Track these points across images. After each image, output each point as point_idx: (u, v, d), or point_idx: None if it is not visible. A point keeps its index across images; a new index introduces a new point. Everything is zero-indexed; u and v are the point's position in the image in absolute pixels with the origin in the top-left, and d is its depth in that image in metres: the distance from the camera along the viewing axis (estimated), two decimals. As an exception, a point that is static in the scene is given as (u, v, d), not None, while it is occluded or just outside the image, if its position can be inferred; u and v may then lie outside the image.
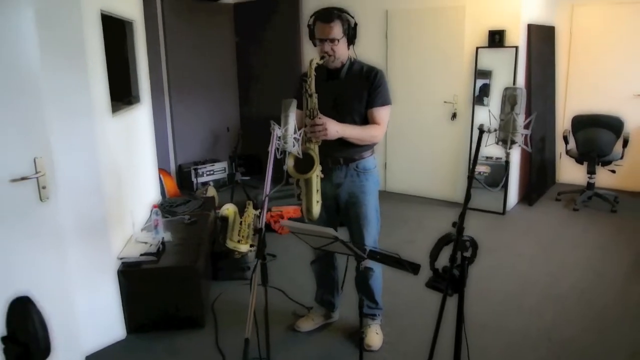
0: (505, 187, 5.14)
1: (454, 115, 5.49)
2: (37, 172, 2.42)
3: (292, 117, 2.15)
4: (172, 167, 6.31)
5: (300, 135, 2.19)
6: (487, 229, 4.82)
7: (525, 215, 5.25)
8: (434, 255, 1.71)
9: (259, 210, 4.70)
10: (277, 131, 2.05)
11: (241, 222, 3.96)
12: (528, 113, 1.74)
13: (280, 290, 3.57)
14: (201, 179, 6.22)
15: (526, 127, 1.74)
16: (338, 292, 3.14)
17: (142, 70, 4.20)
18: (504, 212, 5.23)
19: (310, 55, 6.36)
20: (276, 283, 3.59)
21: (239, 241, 3.71)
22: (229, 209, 4.09)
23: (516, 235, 4.71)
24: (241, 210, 4.20)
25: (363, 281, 2.90)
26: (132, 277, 3.09)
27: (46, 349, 0.99)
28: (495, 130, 1.76)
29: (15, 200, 2.36)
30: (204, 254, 3.46)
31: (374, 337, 2.93)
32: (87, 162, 2.87)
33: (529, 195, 5.56)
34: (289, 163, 2.46)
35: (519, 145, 1.74)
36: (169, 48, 6.02)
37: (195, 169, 6.11)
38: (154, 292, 3.13)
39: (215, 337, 3.07)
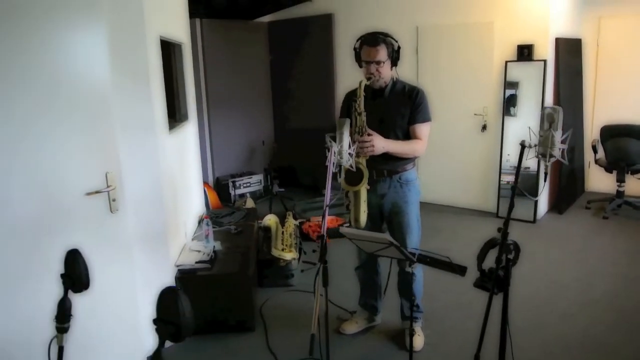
0: (535, 192, 5.29)
1: (484, 127, 5.66)
2: (108, 186, 2.68)
3: (347, 134, 2.37)
4: (211, 179, 6.58)
5: (354, 151, 2.41)
6: (519, 236, 4.89)
7: (555, 224, 5.38)
8: (481, 257, 1.90)
9: (299, 220, 4.93)
10: (334, 147, 2.27)
11: (283, 231, 4.20)
12: (564, 128, 1.93)
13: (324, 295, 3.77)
14: (238, 191, 6.48)
15: (563, 142, 1.92)
16: (381, 297, 3.33)
17: (190, 90, 4.48)
18: (534, 221, 5.37)
19: (342, 72, 6.64)
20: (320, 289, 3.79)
21: (283, 249, 3.94)
22: (270, 220, 4.35)
23: (547, 242, 4.84)
24: (281, 221, 4.44)
25: (406, 286, 3.10)
26: (188, 283, 3.33)
27: (192, 327, 1.22)
28: (535, 145, 1.95)
29: (90, 212, 2.62)
30: (252, 261, 3.68)
31: (417, 338, 3.11)
32: (150, 176, 3.13)
33: (558, 204, 5.69)
34: (342, 176, 2.67)
35: (557, 159, 1.92)
36: (208, 66, 6.32)
37: (233, 182, 6.37)
38: (207, 297, 3.36)
39: (265, 339, 3.29)
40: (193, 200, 4.39)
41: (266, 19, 7.19)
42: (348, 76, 6.61)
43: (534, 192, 5.29)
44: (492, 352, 2.12)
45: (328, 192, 2.33)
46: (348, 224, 2.95)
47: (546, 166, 1.96)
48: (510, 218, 1.93)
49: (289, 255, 3.93)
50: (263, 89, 7.22)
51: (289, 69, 7.11)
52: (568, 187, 5.85)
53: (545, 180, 1.99)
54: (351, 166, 2.42)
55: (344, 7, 6.54)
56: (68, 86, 2.43)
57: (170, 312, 1.23)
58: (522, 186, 5.39)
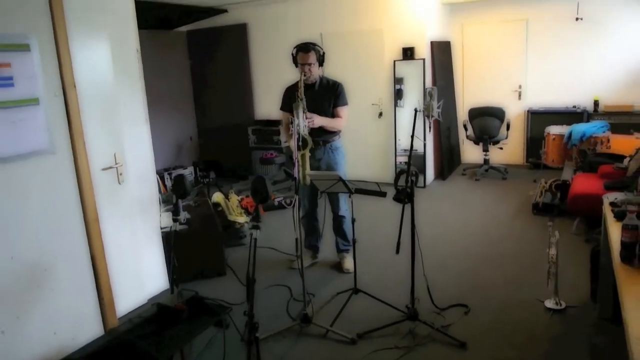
0: (424, 168, 6.70)
1: (380, 114, 6.98)
2: (116, 163, 3.54)
3: (302, 113, 3.43)
4: (147, 174, 7.32)
5: (307, 124, 3.49)
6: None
7: (440, 187, 6.84)
8: (396, 180, 3.07)
9: (240, 197, 5.89)
10: (295, 121, 3.33)
11: (229, 204, 5.18)
12: (439, 101, 3.15)
13: (274, 248, 4.81)
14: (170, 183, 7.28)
15: (439, 107, 3.15)
16: (320, 238, 4.45)
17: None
18: (425, 186, 6.78)
19: (257, 74, 7.68)
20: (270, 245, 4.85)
21: (239, 215, 4.92)
22: (218, 196, 5.30)
23: (436, 200, 6.25)
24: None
25: (339, 226, 4.24)
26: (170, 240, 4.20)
27: (269, 197, 2.24)
28: (422, 110, 3.16)
29: (105, 183, 3.46)
30: (218, 223, 4.63)
31: (349, 263, 4.25)
32: (143, 156, 3.95)
33: (442, 173, 7.17)
34: (291, 144, 3.72)
35: (436, 118, 3.14)
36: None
37: (169, 173, 7.17)
38: (187, 251, 4.23)
39: (237, 278, 4.26)
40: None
41: (185, 28, 8.03)
42: (262, 78, 7.70)
43: (423, 170, 6.69)
44: (407, 246, 3.29)
45: (295, 150, 3.36)
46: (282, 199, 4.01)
47: (430, 123, 3.18)
48: (411, 155, 3.12)
49: (242, 219, 4.92)
50: (186, 92, 8.06)
51: (208, 73, 8.03)
52: (448, 159, 7.36)
53: (429, 131, 3.19)
54: (305, 135, 3.49)
55: (257, 18, 7.58)
56: (93, 89, 3.26)
57: (261, 188, 2.26)
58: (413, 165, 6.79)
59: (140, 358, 2.11)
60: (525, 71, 7.37)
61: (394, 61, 6.70)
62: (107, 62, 3.43)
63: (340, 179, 3.24)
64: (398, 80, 6.75)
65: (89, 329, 2.65)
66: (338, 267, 4.38)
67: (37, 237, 2.44)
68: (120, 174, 3.60)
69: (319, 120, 3.89)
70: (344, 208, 4.21)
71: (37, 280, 2.43)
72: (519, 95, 7.44)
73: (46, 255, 2.48)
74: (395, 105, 6.78)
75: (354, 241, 3.70)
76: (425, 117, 3.18)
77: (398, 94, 6.76)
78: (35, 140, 2.41)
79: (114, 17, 3.63)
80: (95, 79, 3.30)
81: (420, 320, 3.26)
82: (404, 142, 6.84)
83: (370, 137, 7.11)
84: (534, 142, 7.17)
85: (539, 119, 7.19)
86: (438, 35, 7.06)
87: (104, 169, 3.44)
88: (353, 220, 3.64)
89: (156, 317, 2.45)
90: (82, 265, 2.71)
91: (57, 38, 2.57)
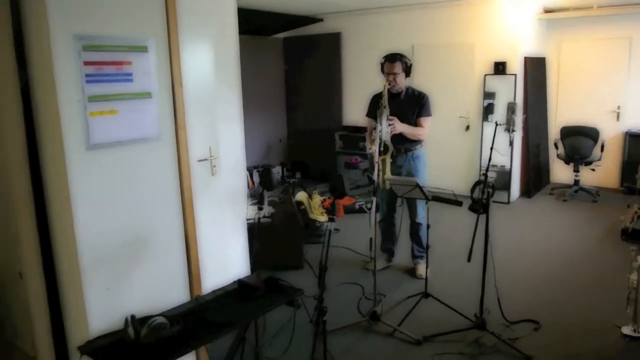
0: (509, 184, 6.61)
1: (467, 128, 6.96)
2: (211, 156, 3.86)
3: (385, 119, 3.60)
4: (238, 170, 7.78)
5: (389, 130, 3.66)
6: (497, 214, 6.25)
7: (525, 205, 6.71)
8: (472, 190, 3.15)
9: (322, 197, 6.12)
10: (378, 127, 3.50)
11: (312, 204, 5.42)
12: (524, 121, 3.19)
13: (349, 248, 4.99)
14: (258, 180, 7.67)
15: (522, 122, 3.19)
16: (396, 243, 4.57)
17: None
18: (508, 202, 6.68)
19: (348, 81, 7.93)
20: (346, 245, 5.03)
21: (320, 214, 5.16)
22: (302, 195, 5.56)
23: (519, 218, 6.15)
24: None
25: (415, 233, 4.34)
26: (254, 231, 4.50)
27: (346, 193, 2.45)
28: (503, 124, 3.22)
29: (199, 173, 3.78)
30: (300, 218, 4.89)
31: (423, 269, 4.34)
32: (234, 152, 4.28)
33: (528, 191, 7.01)
34: (373, 148, 3.89)
35: (517, 132, 3.19)
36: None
37: (258, 171, 7.57)
38: (269, 243, 4.51)
39: (312, 272, 4.46)
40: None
41: (282, 35, 8.45)
42: (352, 86, 7.94)
43: (507, 186, 6.61)
44: (480, 257, 3.35)
45: (376, 153, 3.54)
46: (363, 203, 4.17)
47: (512, 138, 3.23)
48: (488, 170, 3.19)
49: (322, 218, 5.15)
50: (279, 95, 8.48)
51: (301, 79, 8.39)
52: (535, 177, 7.18)
53: (511, 145, 3.25)
54: (386, 141, 3.65)
55: (351, 27, 7.83)
56: (196, 87, 3.60)
57: (338, 184, 2.48)
58: (497, 181, 6.70)
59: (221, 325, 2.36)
60: (625, 91, 7.04)
61: (485, 75, 6.68)
62: (210, 64, 3.76)
63: (417, 185, 3.36)
64: (489, 95, 6.71)
65: (178, 297, 2.97)
66: (411, 272, 4.48)
67: (144, 211, 2.80)
68: (214, 166, 3.92)
69: (400, 126, 4.02)
70: (421, 215, 4.31)
71: (141, 247, 2.77)
72: (617, 116, 7.12)
73: (150, 227, 2.83)
74: (484, 119, 6.74)
75: (428, 247, 3.79)
76: (507, 132, 3.23)
77: (488, 109, 6.72)
78: (148, 128, 2.75)
79: (218, 24, 3.97)
80: (199, 79, 3.63)
81: (487, 331, 3.30)
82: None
83: (455, 149, 7.11)
84: (631, 166, 6.83)
85: (637, 142, 6.85)
86: (532, 50, 6.94)
87: (199, 160, 3.76)
88: (428, 227, 3.74)
89: (236, 291, 2.72)
90: (176, 241, 3.03)
91: (170, 42, 2.91)
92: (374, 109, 4.10)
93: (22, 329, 3.81)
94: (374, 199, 3.67)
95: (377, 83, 4.65)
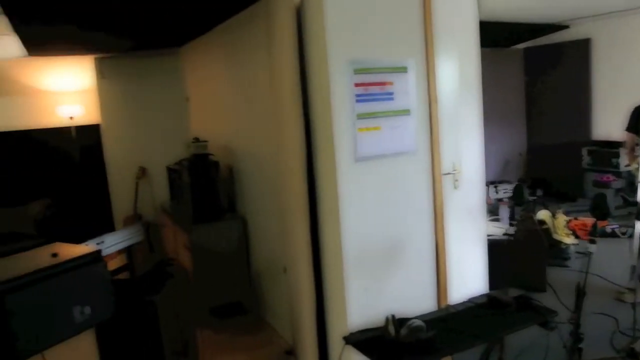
0: None
1: None
2: (454, 170, 3.92)
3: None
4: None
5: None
6: None
7: None
8: None
9: (568, 217, 5.74)
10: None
11: (556, 223, 5.09)
12: None
13: (601, 276, 4.55)
14: (495, 196, 7.46)
15: None
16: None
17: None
18: None
19: (598, 93, 7.26)
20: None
21: (565, 235, 4.84)
22: (544, 214, 5.26)
23: None
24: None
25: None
26: (494, 247, 4.42)
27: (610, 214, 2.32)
28: None
29: (443, 187, 3.88)
30: (543, 238, 4.65)
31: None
32: (475, 166, 4.30)
33: None
34: (634, 167, 3.53)
35: None
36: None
37: (495, 186, 7.38)
38: (509, 261, 4.39)
39: (557, 297, 4.20)
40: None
41: (522, 45, 8.13)
42: (604, 97, 7.23)
43: None
44: None
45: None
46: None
47: None
48: None
49: (568, 240, 4.81)
50: (518, 108, 8.16)
51: (543, 90, 7.94)
52: None
53: None
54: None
55: (602, 32, 7.14)
56: (442, 103, 3.71)
57: (602, 204, 2.37)
58: None
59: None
60: None
61: None
62: (455, 79, 3.85)
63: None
64: None
65: (425, 304, 3.11)
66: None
67: (401, 220, 3.02)
68: (456, 180, 3.98)
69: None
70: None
71: (396, 253, 3.00)
72: None
73: (405, 235, 3.04)
74: None
75: None
76: None
77: None
78: (406, 143, 2.97)
79: (462, 38, 4.04)
80: (445, 94, 3.76)
81: None
82: None
83: None
84: None
85: None
86: None
87: (444, 174, 3.88)
88: None
89: (486, 305, 2.74)
90: (427, 250, 3.19)
91: (427, 61, 3.08)
92: (635, 123, 3.72)
93: (279, 313, 4.39)
94: (638, 224, 3.32)
95: (637, 93, 4.20)
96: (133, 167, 6.15)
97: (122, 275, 3.73)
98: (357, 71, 2.78)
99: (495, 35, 7.27)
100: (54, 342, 2.07)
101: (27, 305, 1.93)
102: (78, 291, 2.13)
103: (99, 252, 2.40)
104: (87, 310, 2.16)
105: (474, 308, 2.74)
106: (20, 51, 5.50)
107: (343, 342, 2.56)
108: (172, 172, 5.28)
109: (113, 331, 2.83)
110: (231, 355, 4.05)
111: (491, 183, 7.54)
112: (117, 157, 6.23)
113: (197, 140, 4.70)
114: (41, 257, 2.19)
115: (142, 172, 6.14)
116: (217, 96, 5.24)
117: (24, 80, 6.03)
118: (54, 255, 2.16)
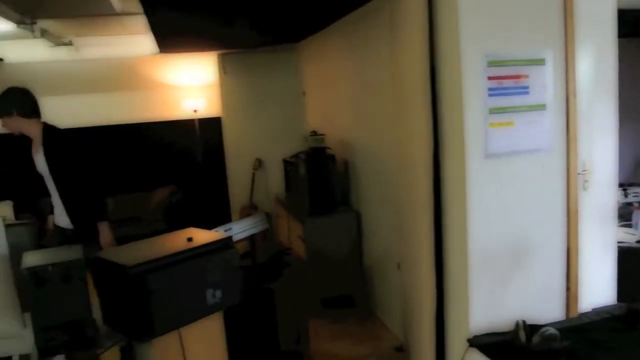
0: None
1: None
2: (584, 170, 3.64)
3: None
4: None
5: None
6: None
7: None
8: None
9: None
10: None
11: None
12: None
13: None
14: (623, 199, 6.86)
15: None
16: None
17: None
18: None
19: None
20: None
21: None
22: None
23: None
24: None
25: None
26: (625, 255, 4.07)
27: None
28: None
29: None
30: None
31: None
32: (607, 166, 3.97)
33: None
34: None
35: None
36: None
37: (624, 189, 6.80)
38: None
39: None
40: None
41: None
42: None
43: None
44: None
45: None
46: None
47: None
48: None
49: None
50: (654, 105, 7.44)
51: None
52: None
53: None
54: None
55: None
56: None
57: None
58: None
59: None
60: None
61: None
62: (591, 72, 3.58)
63: None
64: None
65: (552, 311, 2.91)
66: None
67: (530, 220, 2.86)
68: (586, 181, 3.70)
69: None
70: None
71: (523, 255, 2.84)
72: None
73: (534, 237, 2.87)
74: None
75: None
76: None
77: None
78: (540, 140, 2.80)
79: (600, 28, 3.73)
80: (581, 88, 3.51)
81: None
82: None
83: None
84: None
85: None
86: None
87: (579, 173, 3.63)
88: None
89: (623, 317, 2.53)
90: (556, 255, 2.98)
91: (567, 52, 2.89)
92: None
93: (390, 308, 4.37)
94: None
95: None
96: (250, 159, 6.41)
97: (244, 263, 3.90)
98: (492, 63, 2.66)
99: (635, 25, 6.68)
100: (187, 321, 2.18)
101: (165, 285, 2.03)
102: (211, 275, 2.22)
103: (230, 238, 2.51)
104: (219, 294, 2.24)
105: (609, 320, 2.54)
106: (152, 48, 5.93)
107: (467, 344, 2.49)
108: (289, 165, 5.42)
109: (235, 315, 2.95)
110: (342, 346, 4.10)
111: (620, 186, 6.95)
112: (236, 148, 6.53)
113: (314, 133, 4.78)
114: (178, 240, 2.31)
115: (259, 164, 6.38)
116: (334, 90, 5.30)
117: (154, 75, 6.49)
118: (189, 239, 2.26)
